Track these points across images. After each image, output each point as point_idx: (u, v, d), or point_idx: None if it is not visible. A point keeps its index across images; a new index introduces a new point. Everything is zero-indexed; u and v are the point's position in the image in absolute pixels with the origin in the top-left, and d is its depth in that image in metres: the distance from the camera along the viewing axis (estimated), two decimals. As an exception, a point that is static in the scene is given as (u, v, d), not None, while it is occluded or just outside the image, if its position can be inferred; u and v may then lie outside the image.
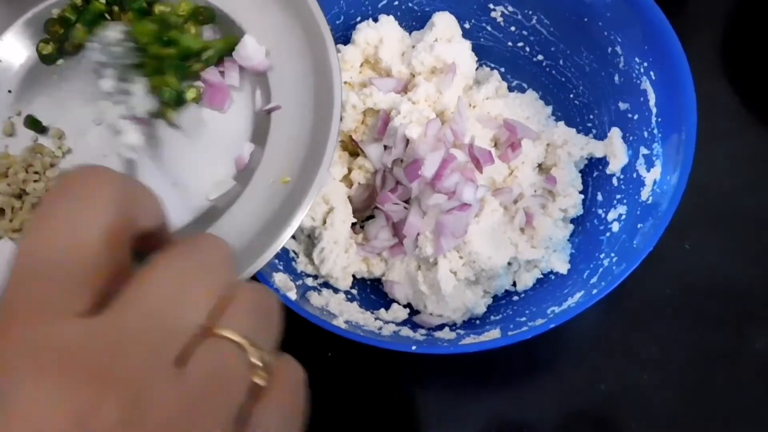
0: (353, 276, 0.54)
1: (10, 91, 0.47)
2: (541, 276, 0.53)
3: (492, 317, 0.52)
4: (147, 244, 0.23)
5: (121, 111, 0.44)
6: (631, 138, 0.53)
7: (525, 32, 0.58)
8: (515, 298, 0.53)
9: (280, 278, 0.48)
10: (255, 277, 0.45)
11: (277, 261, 0.51)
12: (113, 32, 0.44)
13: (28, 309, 0.20)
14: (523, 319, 0.49)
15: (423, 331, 0.51)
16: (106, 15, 0.47)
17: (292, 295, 0.47)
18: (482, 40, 0.60)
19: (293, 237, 0.54)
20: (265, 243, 0.40)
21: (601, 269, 0.48)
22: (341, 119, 0.45)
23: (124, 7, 0.47)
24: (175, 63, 0.45)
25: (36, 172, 0.44)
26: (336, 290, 0.52)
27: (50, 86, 0.47)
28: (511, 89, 0.60)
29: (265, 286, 0.24)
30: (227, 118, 0.46)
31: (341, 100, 0.44)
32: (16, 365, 0.19)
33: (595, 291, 0.45)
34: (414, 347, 0.44)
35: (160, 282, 0.21)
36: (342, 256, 0.52)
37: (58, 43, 0.47)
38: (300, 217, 0.40)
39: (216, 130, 0.46)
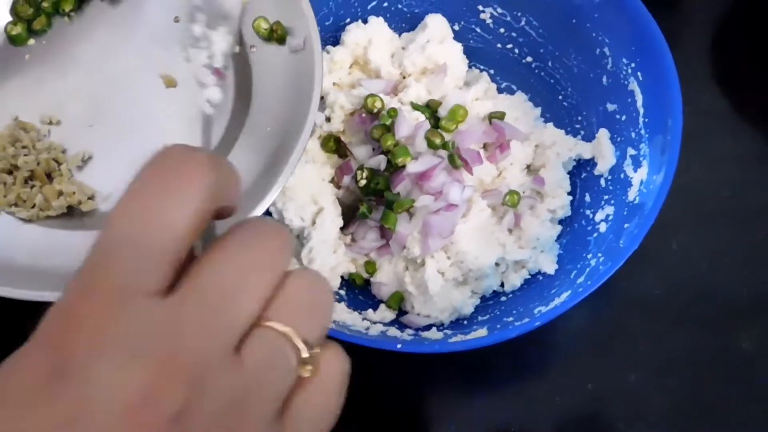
0: (341, 277, 0.54)
1: None
2: (529, 276, 0.53)
3: (479, 317, 0.52)
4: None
5: (203, 59, 0.45)
6: (618, 139, 0.53)
7: (514, 34, 0.59)
8: (503, 298, 0.53)
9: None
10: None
11: (264, 261, 0.51)
12: None
13: (110, 281, 0.21)
14: (511, 319, 0.49)
15: (410, 332, 0.51)
16: None
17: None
18: (471, 41, 0.60)
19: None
20: (258, 193, 0.41)
21: (588, 269, 0.49)
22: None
23: None
24: None
25: (24, 147, 0.44)
26: (324, 290, 0.52)
27: (24, 66, 0.47)
28: (500, 91, 0.60)
29: (317, 274, 0.25)
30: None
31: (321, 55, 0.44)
32: (96, 337, 0.20)
33: (581, 290, 0.45)
34: (399, 345, 0.44)
35: (225, 269, 0.22)
36: (330, 257, 0.52)
37: (26, 24, 0.47)
38: (292, 166, 0.41)
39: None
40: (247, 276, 0.22)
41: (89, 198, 0.44)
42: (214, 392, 0.20)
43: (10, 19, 0.47)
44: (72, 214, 0.43)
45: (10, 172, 0.44)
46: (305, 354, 0.23)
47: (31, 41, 0.47)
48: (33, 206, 0.43)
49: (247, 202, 0.42)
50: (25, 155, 0.44)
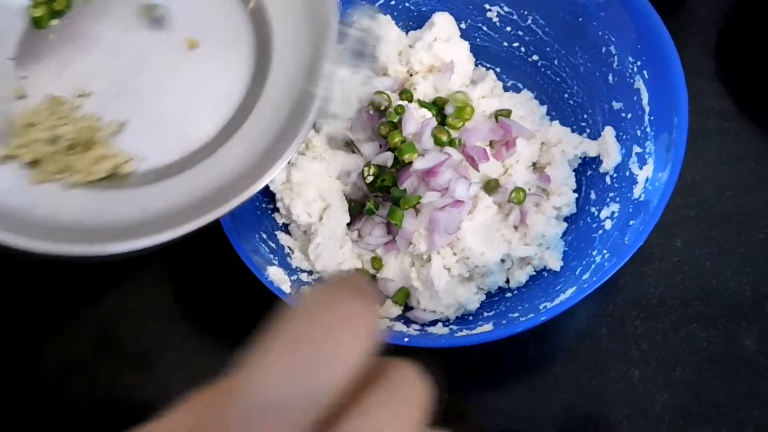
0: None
1: (12, 59, 0.48)
2: (534, 273, 0.53)
3: (485, 313, 0.52)
4: None
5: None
6: (624, 137, 0.53)
7: (520, 32, 0.59)
8: (508, 294, 0.53)
9: (274, 272, 0.48)
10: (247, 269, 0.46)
11: (272, 256, 0.51)
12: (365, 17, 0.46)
13: None
14: (516, 315, 0.49)
15: (416, 327, 0.51)
16: None
17: (286, 288, 0.47)
18: (478, 40, 0.60)
19: (289, 233, 0.55)
20: (282, 146, 0.43)
21: (593, 266, 0.49)
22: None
23: None
24: None
25: (62, 117, 0.45)
26: (330, 286, 0.53)
27: (49, 46, 0.48)
28: (506, 89, 0.60)
29: None
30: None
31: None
32: None
33: (586, 286, 0.46)
34: (406, 339, 0.44)
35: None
36: (337, 253, 0.53)
37: (48, 4, 0.48)
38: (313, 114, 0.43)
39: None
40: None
41: (128, 161, 0.45)
42: None
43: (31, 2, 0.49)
44: (113, 177, 0.45)
45: (52, 143, 0.45)
46: None
47: (54, 22, 0.49)
48: (76, 173, 0.44)
49: (268, 158, 0.43)
50: (63, 125, 0.45)
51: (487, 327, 0.48)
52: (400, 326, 0.50)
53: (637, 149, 0.51)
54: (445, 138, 0.53)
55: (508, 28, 0.59)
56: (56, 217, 0.42)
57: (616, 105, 0.54)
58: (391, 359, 0.22)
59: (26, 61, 0.48)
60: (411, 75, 0.59)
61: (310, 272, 0.53)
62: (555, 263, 0.52)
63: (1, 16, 0.48)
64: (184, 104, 0.47)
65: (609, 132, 0.54)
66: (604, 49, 0.54)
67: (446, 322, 0.52)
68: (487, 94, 0.58)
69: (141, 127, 0.46)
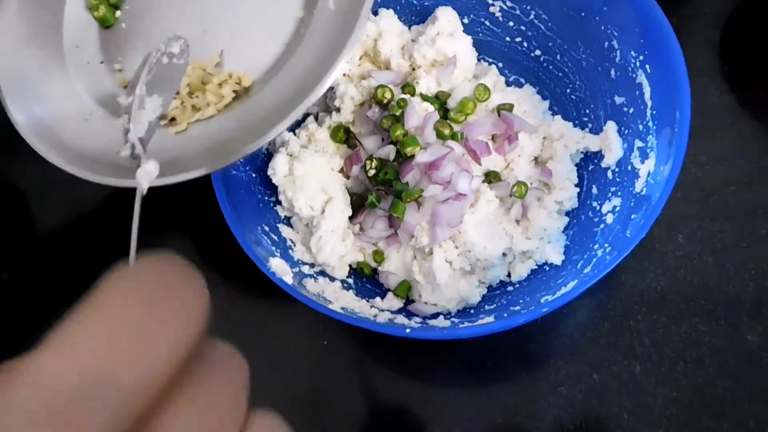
0: (349, 266, 0.55)
1: (102, 62, 0.50)
2: (536, 267, 0.54)
3: (486, 306, 0.52)
4: None
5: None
6: (626, 131, 0.53)
7: (523, 27, 0.59)
8: (510, 288, 0.53)
9: (276, 263, 0.49)
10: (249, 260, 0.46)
11: (274, 248, 0.51)
12: None
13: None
14: (517, 308, 0.49)
15: (418, 320, 0.51)
16: None
17: (288, 279, 0.47)
18: (480, 35, 0.60)
19: (291, 226, 0.55)
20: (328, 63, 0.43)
21: (594, 259, 0.49)
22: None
23: None
24: None
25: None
26: (332, 279, 0.53)
27: (126, 33, 0.50)
28: (508, 84, 0.60)
29: (276, 421, 0.21)
30: None
31: None
32: None
33: (588, 279, 0.46)
34: (408, 330, 0.44)
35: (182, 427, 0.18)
36: (339, 246, 0.53)
37: (104, 1, 0.50)
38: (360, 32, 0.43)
39: None
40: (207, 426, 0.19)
41: (243, 76, 0.47)
42: None
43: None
44: (240, 96, 0.47)
45: (174, 95, 0.46)
46: None
47: (118, 14, 0.51)
48: (209, 105, 0.46)
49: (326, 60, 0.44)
50: (188, 76, 0.47)
51: (489, 319, 0.48)
52: (401, 319, 0.51)
53: (639, 144, 0.51)
54: (447, 132, 0.53)
55: (511, 23, 0.59)
56: (212, 142, 0.45)
57: (618, 100, 0.54)
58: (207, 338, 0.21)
59: (115, 56, 0.50)
60: (414, 69, 0.59)
61: (312, 265, 0.53)
62: (556, 257, 0.52)
63: (73, 33, 0.50)
64: (260, 17, 0.48)
65: (611, 127, 0.54)
66: (606, 43, 0.54)
67: (448, 315, 0.52)
68: (489, 88, 0.58)
69: (236, 50, 0.48)
